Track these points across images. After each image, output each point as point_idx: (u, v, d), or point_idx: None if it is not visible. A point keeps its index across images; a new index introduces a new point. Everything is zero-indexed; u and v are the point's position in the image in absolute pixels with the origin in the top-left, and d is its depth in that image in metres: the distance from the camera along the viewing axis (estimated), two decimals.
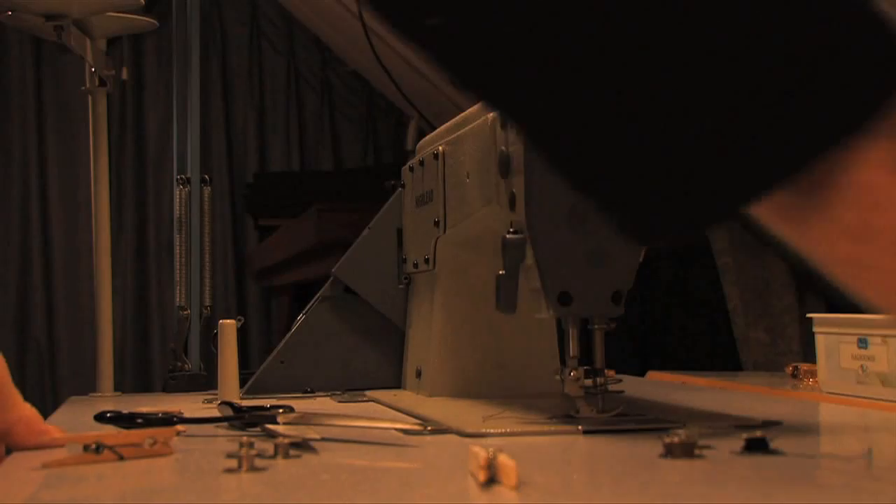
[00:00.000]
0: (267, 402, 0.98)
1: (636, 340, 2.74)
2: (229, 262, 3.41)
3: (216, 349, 1.55)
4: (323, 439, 0.75)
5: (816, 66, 0.36)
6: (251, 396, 1.19)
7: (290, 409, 0.86)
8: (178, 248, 1.54)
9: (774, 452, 0.67)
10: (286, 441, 0.69)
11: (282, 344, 1.25)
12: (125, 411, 0.86)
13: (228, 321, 1.18)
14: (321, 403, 1.12)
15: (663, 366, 1.69)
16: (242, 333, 3.39)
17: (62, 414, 1.09)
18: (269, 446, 0.70)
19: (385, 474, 0.66)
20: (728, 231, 2.02)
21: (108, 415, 0.85)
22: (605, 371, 0.84)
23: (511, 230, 0.85)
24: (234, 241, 3.44)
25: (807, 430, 0.84)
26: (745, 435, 0.68)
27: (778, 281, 1.98)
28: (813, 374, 1.22)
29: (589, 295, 0.83)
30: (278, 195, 3.14)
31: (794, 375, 1.28)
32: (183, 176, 1.59)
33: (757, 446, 0.68)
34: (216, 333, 1.56)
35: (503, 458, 0.57)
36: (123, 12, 1.42)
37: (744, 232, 2.02)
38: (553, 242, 0.83)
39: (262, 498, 0.58)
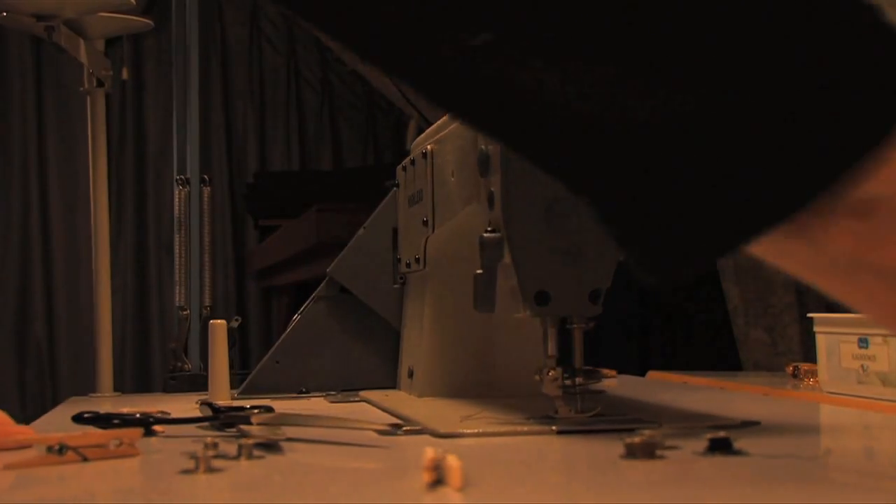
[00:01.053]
0: (253, 403, 0.99)
1: (636, 340, 2.74)
2: (229, 262, 3.41)
3: None
4: (290, 440, 0.75)
5: (827, 86, 0.35)
6: (247, 396, 1.19)
7: (270, 410, 0.87)
8: (177, 248, 1.54)
9: (738, 453, 0.67)
10: (251, 442, 0.69)
11: (277, 344, 1.24)
12: (102, 412, 0.86)
13: (219, 321, 1.18)
14: (312, 403, 1.11)
15: (664, 366, 1.69)
16: (242, 334, 3.37)
17: (57, 414, 1.09)
18: (233, 447, 0.70)
19: (340, 474, 0.65)
20: None
21: (86, 415, 0.85)
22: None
23: (489, 229, 0.85)
24: (234, 241, 3.43)
25: (785, 430, 0.83)
26: (709, 435, 0.68)
27: (778, 281, 1.98)
28: (813, 373, 1.22)
29: (566, 294, 0.82)
30: (278, 195, 3.14)
31: (794, 375, 1.28)
32: (183, 176, 1.59)
33: (721, 447, 0.67)
34: None
35: (451, 460, 0.57)
36: (115, 12, 1.41)
37: None
38: (530, 241, 0.82)
39: (209, 498, 0.58)
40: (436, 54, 0.38)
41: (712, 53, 0.35)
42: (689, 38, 0.36)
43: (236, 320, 1.57)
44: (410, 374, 1.14)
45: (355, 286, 1.23)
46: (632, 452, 0.66)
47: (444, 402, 1.03)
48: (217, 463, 0.65)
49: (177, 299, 1.52)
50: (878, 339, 1.01)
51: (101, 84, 1.46)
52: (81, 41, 1.42)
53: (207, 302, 1.61)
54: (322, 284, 1.25)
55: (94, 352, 1.44)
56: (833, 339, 1.08)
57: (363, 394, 1.16)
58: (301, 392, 1.21)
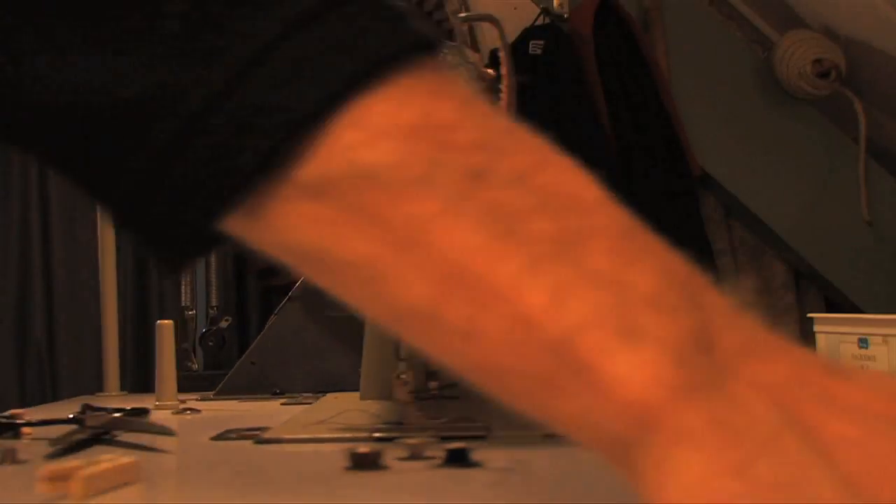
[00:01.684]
0: (189, 406, 1.03)
1: None
2: (229, 262, 3.41)
3: (207, 349, 1.55)
4: (111, 443, 0.78)
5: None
6: (223, 397, 1.18)
7: (145, 412, 0.89)
8: None
9: (473, 465, 0.66)
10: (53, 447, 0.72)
11: (253, 345, 1.24)
12: None
13: (166, 322, 1.17)
14: (258, 406, 1.10)
15: None
16: (242, 333, 3.37)
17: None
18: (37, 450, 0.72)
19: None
20: (727, 231, 2.02)
21: None
22: None
23: None
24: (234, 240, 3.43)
25: None
26: (447, 446, 0.67)
27: (778, 281, 1.98)
28: None
29: None
30: None
31: None
32: None
33: (457, 459, 0.66)
34: (205, 332, 1.56)
35: (83, 471, 0.57)
36: None
37: (744, 232, 2.02)
38: None
39: None
40: None
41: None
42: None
43: (226, 320, 1.57)
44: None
45: None
46: (356, 463, 0.65)
47: (375, 405, 1.00)
48: None
49: (182, 299, 1.52)
50: (878, 340, 1.01)
51: None
52: None
53: (214, 302, 1.61)
54: (297, 284, 1.23)
55: (94, 352, 1.44)
56: (833, 339, 1.08)
57: (329, 396, 1.13)
58: (275, 393, 1.19)
